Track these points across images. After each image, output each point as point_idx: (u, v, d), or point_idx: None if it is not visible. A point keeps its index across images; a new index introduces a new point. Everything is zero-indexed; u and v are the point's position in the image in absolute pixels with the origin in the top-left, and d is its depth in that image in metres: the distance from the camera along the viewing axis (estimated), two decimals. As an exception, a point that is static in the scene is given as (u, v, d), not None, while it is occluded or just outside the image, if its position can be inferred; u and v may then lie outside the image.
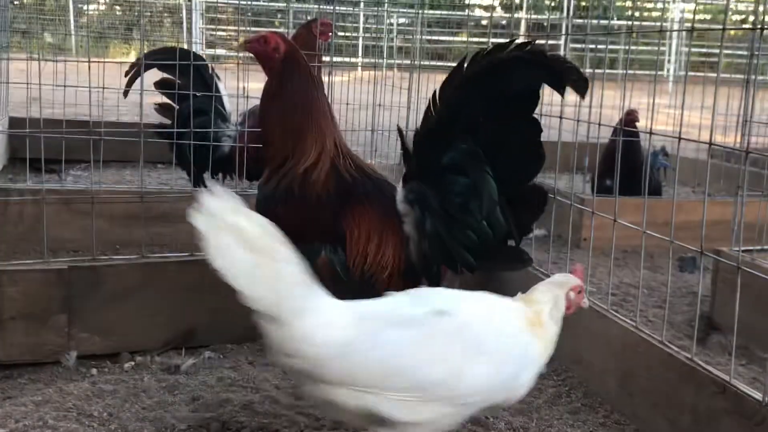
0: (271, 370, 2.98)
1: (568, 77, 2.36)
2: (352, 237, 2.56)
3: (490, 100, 2.40)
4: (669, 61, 15.45)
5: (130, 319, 3.19)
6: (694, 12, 11.44)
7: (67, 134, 4.05)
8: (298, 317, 1.91)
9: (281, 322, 1.90)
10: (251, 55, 2.80)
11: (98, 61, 3.77)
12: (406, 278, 2.56)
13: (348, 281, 2.54)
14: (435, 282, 2.58)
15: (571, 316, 3.04)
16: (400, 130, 2.77)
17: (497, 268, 2.78)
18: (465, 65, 2.45)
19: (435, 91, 2.50)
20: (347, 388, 1.91)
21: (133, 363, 3.07)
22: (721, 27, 2.58)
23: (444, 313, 2.00)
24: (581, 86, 2.37)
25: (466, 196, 2.44)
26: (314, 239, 2.53)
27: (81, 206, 3.83)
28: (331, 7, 5.80)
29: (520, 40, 2.48)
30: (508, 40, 2.44)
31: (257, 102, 4.52)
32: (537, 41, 2.47)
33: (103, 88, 3.94)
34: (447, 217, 2.48)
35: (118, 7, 15.74)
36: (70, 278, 3.08)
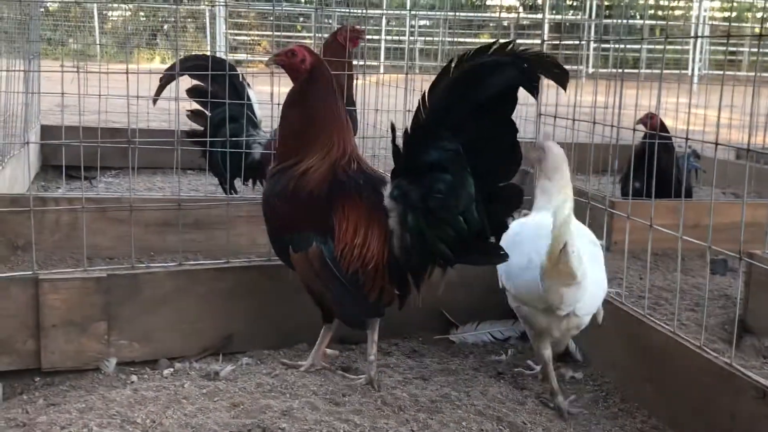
0: (308, 376, 3.01)
1: (548, 71, 2.48)
2: (341, 229, 2.75)
3: (473, 103, 2.52)
4: (694, 60, 15.36)
5: (168, 325, 3.23)
6: (730, 17, 11.36)
7: (103, 143, 4.10)
8: None
9: None
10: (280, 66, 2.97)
11: (137, 72, 3.81)
12: (391, 271, 2.75)
13: (336, 270, 2.74)
14: (418, 276, 2.75)
15: (606, 321, 3.06)
16: (393, 128, 2.86)
17: (475, 261, 2.85)
18: (451, 68, 2.55)
19: (423, 93, 2.61)
20: None
21: (172, 369, 3.11)
22: (758, 33, 2.57)
23: None
24: (562, 78, 2.51)
25: (445, 193, 2.57)
26: (306, 230, 2.78)
27: (116, 214, 3.88)
28: (358, 11, 5.85)
29: (503, 40, 2.57)
30: (491, 41, 2.55)
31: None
32: (516, 42, 2.54)
33: (138, 96, 3.99)
34: (427, 212, 2.62)
35: (142, 13, 15.87)
36: (110, 286, 3.13)
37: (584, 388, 3.04)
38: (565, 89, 2.60)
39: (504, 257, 2.67)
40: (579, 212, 3.69)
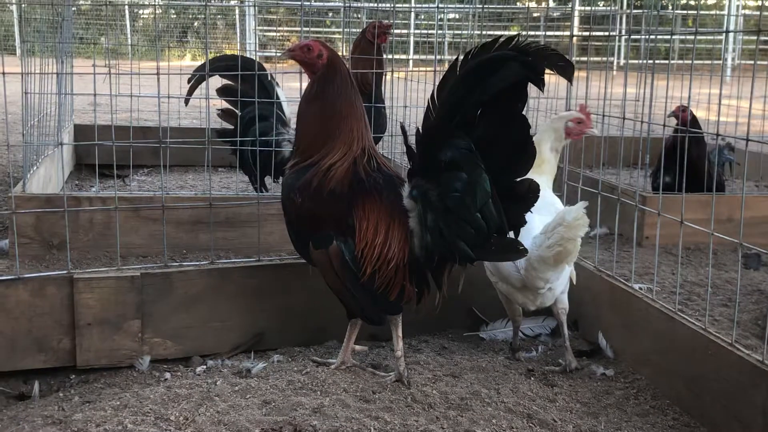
0: (339, 373, 3.03)
1: (553, 64, 2.49)
2: (361, 229, 2.75)
3: (482, 99, 2.53)
4: (726, 51, 15.14)
5: (200, 323, 3.27)
6: (761, 7, 11.18)
7: (135, 143, 4.16)
8: None
9: None
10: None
11: (167, 74, 3.84)
12: (411, 269, 2.77)
13: (356, 269, 2.76)
14: (438, 275, 2.79)
15: (637, 317, 3.05)
16: (403, 128, 2.88)
17: (494, 258, 2.92)
18: (458, 65, 2.56)
19: (432, 91, 2.64)
20: None
21: (204, 367, 3.15)
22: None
23: None
24: (567, 71, 2.53)
25: (462, 192, 2.56)
26: (327, 228, 2.78)
27: (149, 212, 3.92)
28: (386, 5, 5.85)
29: (509, 34, 2.63)
30: (496, 37, 2.57)
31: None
32: (521, 36, 2.55)
33: (168, 96, 4.03)
34: (446, 211, 2.62)
35: (172, 10, 15.99)
36: (143, 284, 3.17)
37: (615, 385, 3.03)
38: (570, 81, 2.62)
39: (524, 252, 2.70)
40: (611, 207, 3.69)
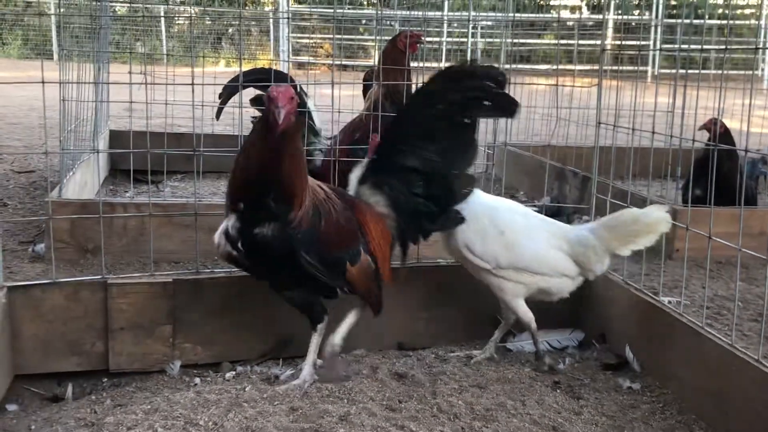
0: (366, 381, 3.06)
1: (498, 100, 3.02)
2: (369, 231, 3.04)
3: (441, 114, 3.04)
4: (764, 60, 15.00)
5: (230, 329, 3.32)
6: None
7: (170, 149, 4.22)
8: None
9: None
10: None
11: (202, 84, 3.90)
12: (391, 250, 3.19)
13: (376, 268, 3.05)
14: (406, 250, 3.24)
15: (663, 332, 3.04)
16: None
17: (441, 228, 3.25)
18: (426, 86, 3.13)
19: (399, 110, 3.21)
20: None
21: (234, 373, 3.20)
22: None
23: None
24: (502, 96, 3.03)
25: (425, 182, 3.08)
26: (352, 244, 2.98)
27: (182, 219, 3.98)
28: (419, 13, 5.87)
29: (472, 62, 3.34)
30: (461, 63, 3.27)
31: (349, 115, 4.63)
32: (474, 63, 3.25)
33: (202, 104, 4.09)
34: (412, 196, 3.09)
35: (207, 17, 16.14)
36: (175, 290, 3.23)
37: (641, 399, 3.02)
38: (508, 111, 3.08)
39: (462, 220, 3.17)
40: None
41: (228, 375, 3.18)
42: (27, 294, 3.13)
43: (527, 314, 3.29)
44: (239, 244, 2.83)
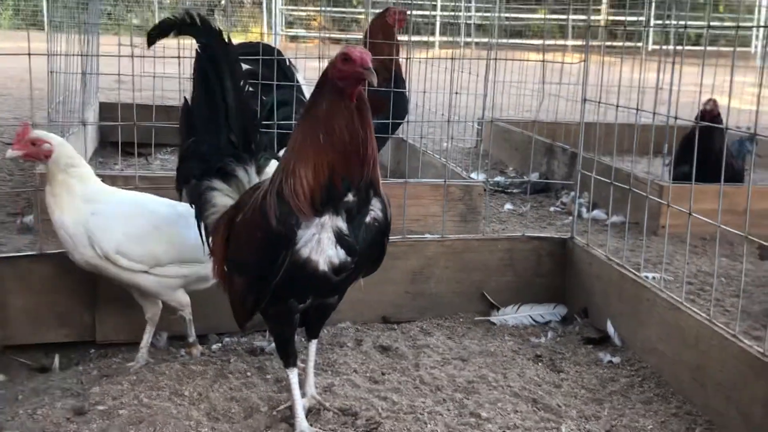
0: (350, 354, 3.10)
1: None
2: None
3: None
4: (757, 37, 14.97)
5: (217, 302, 3.33)
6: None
7: (159, 122, 4.22)
8: None
9: None
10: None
11: (190, 57, 3.90)
12: None
13: None
14: None
15: (645, 306, 3.08)
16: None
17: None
18: None
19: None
20: None
21: (220, 345, 3.23)
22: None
23: None
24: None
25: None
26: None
27: (170, 192, 3.99)
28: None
29: None
30: None
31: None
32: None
33: (191, 77, 4.08)
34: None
35: (200, -12, 16.02)
36: (162, 263, 3.24)
37: (621, 372, 3.07)
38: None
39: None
40: (624, 197, 3.72)
41: (214, 347, 3.21)
42: (15, 265, 3.16)
43: (188, 302, 3.10)
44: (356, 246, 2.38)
